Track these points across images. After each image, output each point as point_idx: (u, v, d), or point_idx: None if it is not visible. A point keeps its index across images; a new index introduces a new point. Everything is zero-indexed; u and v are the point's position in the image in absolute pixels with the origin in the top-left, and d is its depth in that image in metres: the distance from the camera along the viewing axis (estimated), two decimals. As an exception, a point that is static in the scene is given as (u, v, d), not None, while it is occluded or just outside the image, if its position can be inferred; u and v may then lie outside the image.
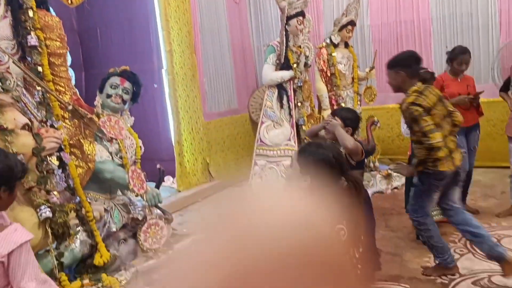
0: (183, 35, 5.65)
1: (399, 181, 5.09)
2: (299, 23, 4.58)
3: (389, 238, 3.84)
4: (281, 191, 0.38)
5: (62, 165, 2.91)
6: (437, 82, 4.35)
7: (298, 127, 4.65)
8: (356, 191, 1.69)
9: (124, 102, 3.38)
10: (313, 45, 5.09)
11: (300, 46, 4.77)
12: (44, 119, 2.92)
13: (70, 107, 3.01)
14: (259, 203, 0.36)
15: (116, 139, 3.28)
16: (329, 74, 5.14)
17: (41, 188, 2.52)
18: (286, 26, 4.56)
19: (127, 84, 3.39)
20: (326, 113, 5.13)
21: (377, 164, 5.68)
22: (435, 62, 5.96)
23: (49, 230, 2.48)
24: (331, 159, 1.71)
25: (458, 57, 4.24)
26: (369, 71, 5.16)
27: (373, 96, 5.21)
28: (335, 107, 5.17)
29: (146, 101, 5.98)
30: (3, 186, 1.66)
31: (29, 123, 2.48)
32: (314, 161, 1.72)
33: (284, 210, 0.35)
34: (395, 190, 5.14)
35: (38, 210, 2.44)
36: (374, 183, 5.06)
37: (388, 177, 5.41)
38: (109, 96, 3.33)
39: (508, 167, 5.79)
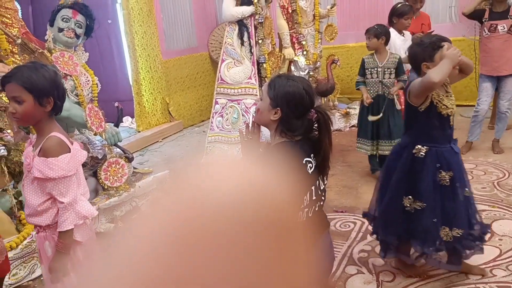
0: (138, -34, 5.32)
1: (356, 119, 5.23)
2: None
3: (346, 173, 4.01)
4: (231, 162, 0.35)
5: (14, 102, 2.78)
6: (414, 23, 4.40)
7: (259, 65, 4.61)
8: (324, 122, 1.72)
9: (77, 36, 3.21)
10: (274, -20, 4.94)
11: (261, -19, 4.61)
12: (-9, 54, 2.75)
13: (19, 41, 2.84)
14: (208, 175, 0.33)
15: (70, 76, 3.14)
16: (290, 11, 5.04)
17: (-7, 126, 2.42)
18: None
19: (80, 17, 3.20)
20: (287, 51, 5.09)
21: (336, 103, 5.79)
22: None
23: (5, 169, 2.41)
24: (301, 91, 1.71)
25: None
26: (331, 8, 5.10)
27: (334, 34, 5.20)
28: (296, 45, 5.13)
29: (100, 37, 5.71)
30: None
31: (-25, 56, 2.32)
32: (285, 93, 1.71)
33: (234, 180, 0.32)
34: (353, 128, 5.29)
35: (-8, 148, 2.36)
36: (333, 121, 5.18)
37: (346, 115, 5.55)
38: (60, 30, 3.14)
39: (458, 106, 6.06)
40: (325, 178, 1.84)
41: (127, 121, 5.86)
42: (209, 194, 0.30)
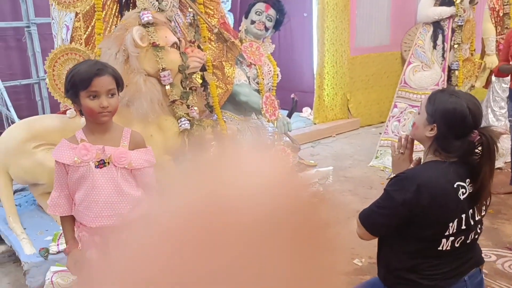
0: (339, -38, 5.39)
1: None
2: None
3: None
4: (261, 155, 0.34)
5: (204, 84, 3.17)
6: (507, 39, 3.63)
7: (450, 71, 4.22)
8: (488, 147, 1.51)
9: (266, 29, 3.44)
10: (486, -23, 4.42)
11: (469, -22, 4.17)
12: (193, 40, 3.16)
13: (215, 30, 3.19)
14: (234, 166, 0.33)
15: (255, 65, 3.41)
16: (501, 14, 4.46)
17: (183, 102, 2.80)
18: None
19: (271, 11, 3.42)
20: (490, 59, 4.53)
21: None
22: None
23: (186, 140, 2.77)
24: (464, 110, 1.52)
25: None
26: (555, 13, 4.32)
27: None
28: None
29: (294, 30, 5.99)
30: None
31: (177, 42, 2.71)
32: (444, 109, 1.56)
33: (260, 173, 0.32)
34: None
35: (179, 121, 2.74)
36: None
37: None
38: (253, 22, 3.42)
39: None
40: (483, 209, 1.62)
41: (306, 111, 6.05)
42: (238, 189, 0.30)
